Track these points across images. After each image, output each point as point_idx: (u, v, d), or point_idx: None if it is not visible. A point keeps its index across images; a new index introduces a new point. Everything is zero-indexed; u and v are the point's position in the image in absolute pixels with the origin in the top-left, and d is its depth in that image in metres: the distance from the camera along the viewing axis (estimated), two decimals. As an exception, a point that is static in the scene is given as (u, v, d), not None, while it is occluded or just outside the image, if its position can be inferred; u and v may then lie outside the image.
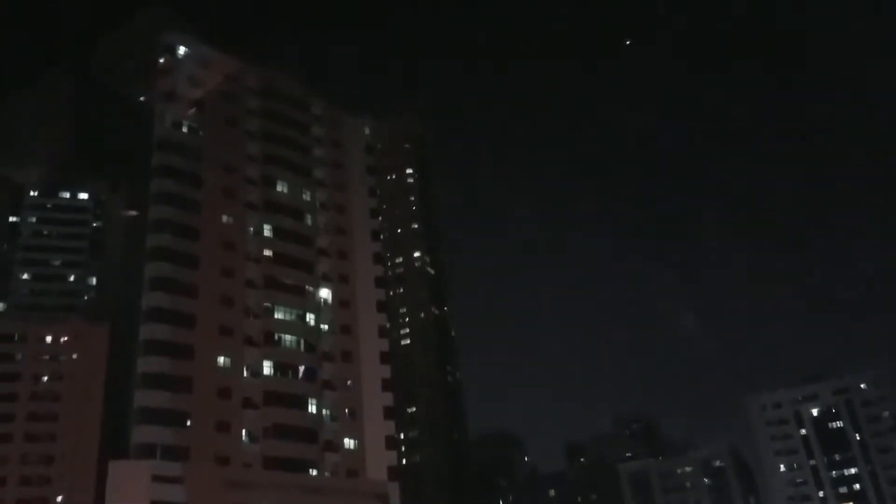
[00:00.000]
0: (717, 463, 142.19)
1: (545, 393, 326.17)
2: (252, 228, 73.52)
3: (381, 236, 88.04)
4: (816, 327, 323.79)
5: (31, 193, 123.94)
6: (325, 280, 76.86)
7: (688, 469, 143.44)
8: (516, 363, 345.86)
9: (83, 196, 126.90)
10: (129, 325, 65.81)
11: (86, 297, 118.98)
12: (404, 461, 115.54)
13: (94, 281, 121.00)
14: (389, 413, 75.82)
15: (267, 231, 74.33)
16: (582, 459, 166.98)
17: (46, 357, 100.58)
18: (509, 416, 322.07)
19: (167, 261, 66.08)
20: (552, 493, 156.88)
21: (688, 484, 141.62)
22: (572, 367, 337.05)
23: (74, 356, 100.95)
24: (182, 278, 66.02)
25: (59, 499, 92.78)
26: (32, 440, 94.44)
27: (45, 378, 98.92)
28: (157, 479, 57.15)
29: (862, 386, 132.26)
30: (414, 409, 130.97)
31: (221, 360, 65.80)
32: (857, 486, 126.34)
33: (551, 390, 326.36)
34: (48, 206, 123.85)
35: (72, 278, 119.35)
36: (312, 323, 73.72)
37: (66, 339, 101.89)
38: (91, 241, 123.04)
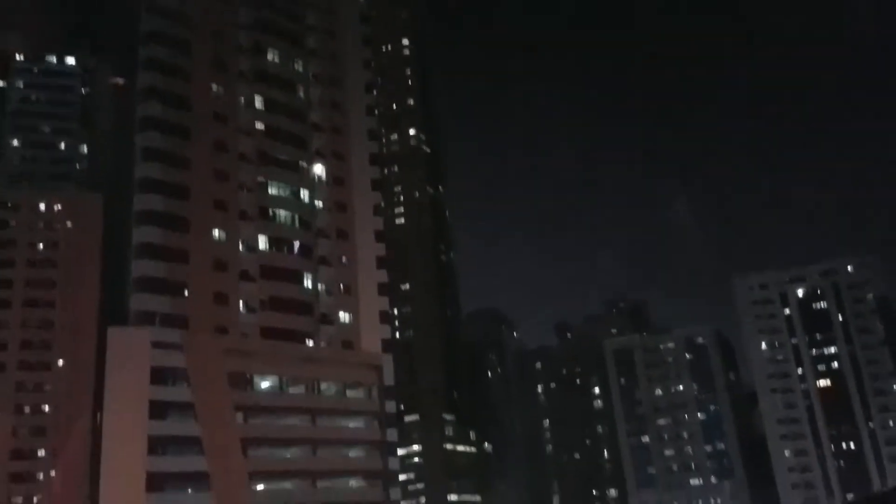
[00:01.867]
0: (700, 340, 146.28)
1: (538, 275, 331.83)
2: (243, 99, 71.87)
3: (376, 112, 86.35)
4: (808, 214, 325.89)
5: (18, 58, 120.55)
6: (319, 156, 75.95)
7: (671, 345, 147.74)
8: (510, 245, 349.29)
9: (71, 61, 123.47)
10: (123, 196, 65.54)
11: (78, 166, 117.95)
12: (398, 335, 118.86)
13: (85, 149, 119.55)
14: (384, 289, 77.05)
15: (258, 103, 72.67)
16: (569, 336, 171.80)
17: (41, 225, 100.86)
18: (501, 296, 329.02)
19: (158, 131, 64.97)
20: (539, 366, 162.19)
21: (670, 359, 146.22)
22: (566, 250, 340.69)
23: (69, 224, 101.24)
24: (174, 149, 65.14)
25: (60, 363, 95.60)
26: (31, 305, 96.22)
27: (41, 246, 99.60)
28: (156, 345, 58.60)
29: (849, 269, 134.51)
30: (408, 286, 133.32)
31: (216, 233, 66.03)
32: (836, 364, 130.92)
33: (544, 272, 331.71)
34: (36, 70, 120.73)
35: (63, 146, 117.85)
36: (307, 199, 73.49)
37: (59, 207, 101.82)
38: (81, 108, 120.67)
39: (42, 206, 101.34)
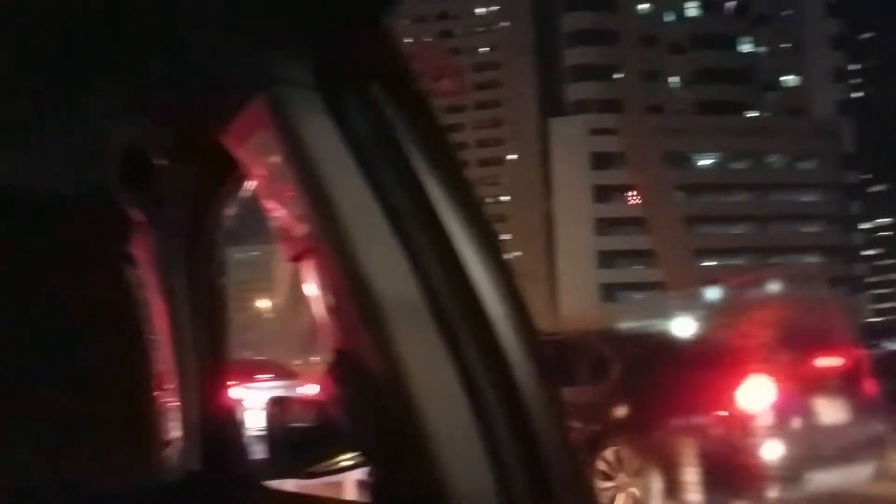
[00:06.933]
0: None
1: None
2: None
3: None
4: None
5: None
6: None
7: None
8: None
9: None
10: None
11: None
12: (859, 94, 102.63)
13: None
14: (837, 41, 66.49)
15: None
16: None
17: (480, 29, 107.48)
18: None
19: None
20: None
21: None
22: None
23: (502, 24, 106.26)
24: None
25: (509, 157, 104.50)
26: (482, 107, 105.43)
27: (481, 49, 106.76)
28: (594, 132, 60.01)
29: None
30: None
31: (642, 6, 63.11)
32: None
33: None
34: None
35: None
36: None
37: (495, 9, 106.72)
38: None
39: (478, 11, 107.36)
